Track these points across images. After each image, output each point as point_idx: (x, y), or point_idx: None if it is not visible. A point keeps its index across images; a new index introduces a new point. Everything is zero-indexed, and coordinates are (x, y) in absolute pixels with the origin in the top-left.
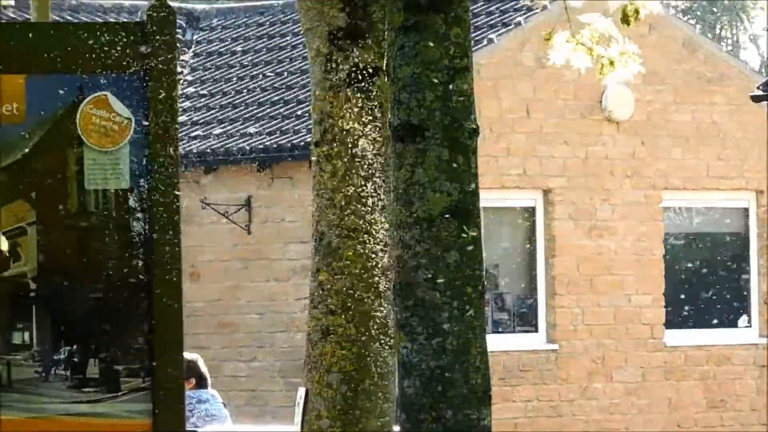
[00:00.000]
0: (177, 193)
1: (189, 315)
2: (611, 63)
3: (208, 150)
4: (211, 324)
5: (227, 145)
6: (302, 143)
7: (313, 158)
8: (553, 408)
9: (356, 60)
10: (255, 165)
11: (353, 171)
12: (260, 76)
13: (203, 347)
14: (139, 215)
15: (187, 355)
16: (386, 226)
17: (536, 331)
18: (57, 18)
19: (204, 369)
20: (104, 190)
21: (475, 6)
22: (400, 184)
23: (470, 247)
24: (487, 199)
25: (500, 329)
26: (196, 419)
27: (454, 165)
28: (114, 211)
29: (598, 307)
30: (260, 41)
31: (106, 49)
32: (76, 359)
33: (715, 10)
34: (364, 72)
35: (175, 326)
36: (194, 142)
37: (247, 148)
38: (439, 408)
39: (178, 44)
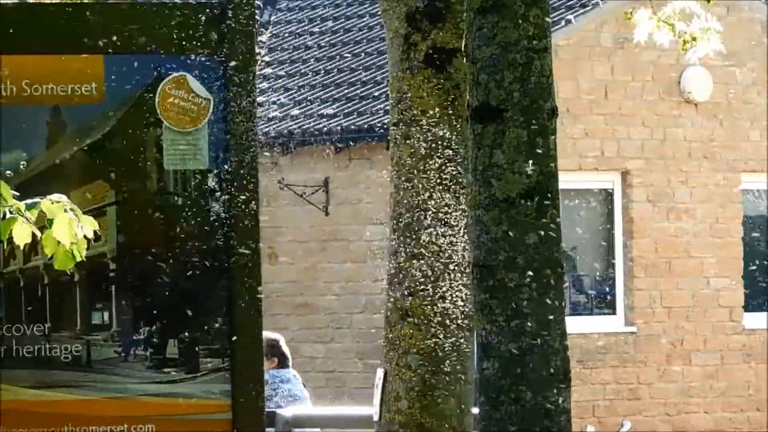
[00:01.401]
0: (255, 174)
1: (267, 296)
2: (693, 39)
3: (286, 131)
4: (288, 305)
5: (304, 126)
6: (380, 124)
7: (391, 139)
8: (631, 391)
9: (434, 41)
10: (332, 146)
11: (432, 152)
12: (337, 56)
13: (281, 328)
14: (218, 196)
15: (270, 334)
16: (465, 207)
17: (614, 313)
18: None
19: (285, 349)
20: (183, 171)
21: None
22: (478, 165)
23: (549, 229)
24: (565, 181)
25: (579, 311)
26: (279, 399)
27: (533, 146)
28: (193, 191)
29: (676, 290)
30: (338, 22)
31: (185, 29)
32: (155, 339)
33: None
34: (443, 53)
35: (254, 307)
36: (272, 123)
37: (325, 129)
38: (518, 390)
39: (256, 25)
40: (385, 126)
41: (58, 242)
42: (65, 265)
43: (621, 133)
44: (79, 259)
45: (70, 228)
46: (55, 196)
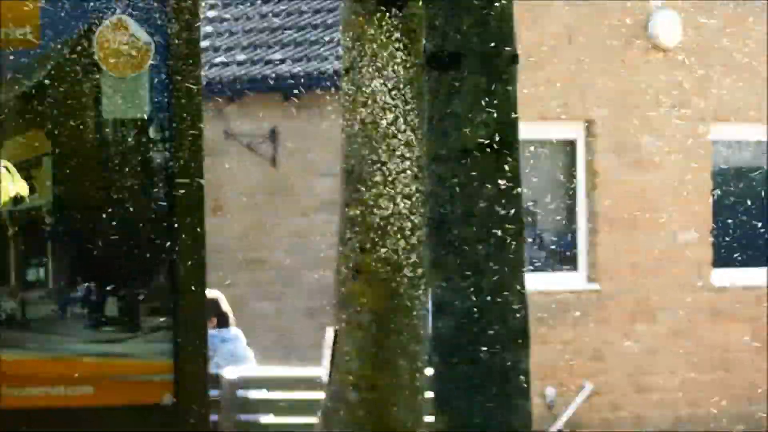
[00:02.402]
0: (200, 123)
1: (212, 251)
2: None
3: (231, 77)
4: (235, 261)
5: (251, 73)
6: (331, 70)
7: (343, 86)
8: (593, 351)
9: None
10: (281, 94)
11: (385, 101)
12: None
13: (227, 285)
14: (160, 146)
15: (209, 292)
16: (420, 158)
17: (576, 269)
18: None
19: (226, 307)
20: (123, 120)
21: None
22: (434, 114)
23: (509, 182)
24: (526, 131)
25: (539, 268)
26: (219, 359)
27: (492, 95)
28: (133, 141)
29: (641, 245)
30: None
31: None
32: (93, 297)
33: None
34: None
35: (198, 263)
36: (216, 69)
37: (272, 75)
38: (474, 349)
39: None
40: (337, 72)
41: None
42: None
43: (585, 80)
44: None
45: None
46: None
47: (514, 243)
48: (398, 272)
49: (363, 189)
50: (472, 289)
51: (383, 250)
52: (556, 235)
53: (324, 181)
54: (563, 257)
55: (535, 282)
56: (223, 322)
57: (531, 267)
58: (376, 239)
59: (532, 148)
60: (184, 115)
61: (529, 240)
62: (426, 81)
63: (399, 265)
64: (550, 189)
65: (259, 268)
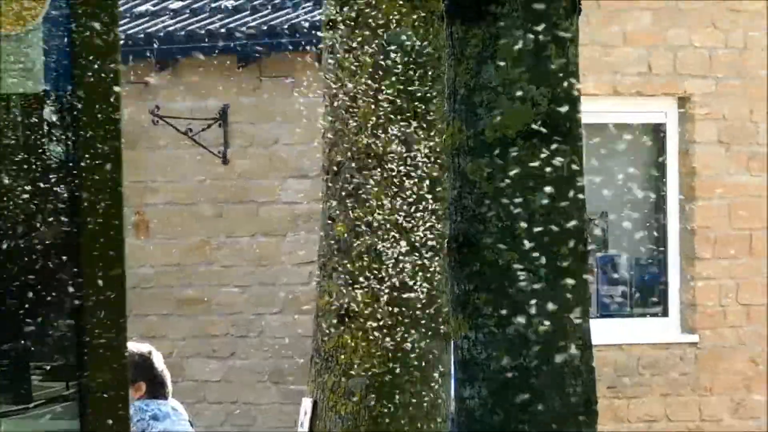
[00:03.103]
0: (116, 100)
1: (134, 286)
2: None
3: (162, 34)
4: (168, 301)
5: (190, 27)
6: (306, 25)
7: (324, 48)
8: (691, 430)
9: None
10: (234, 57)
11: (386, 68)
12: None
13: (156, 336)
14: (58, 133)
15: (135, 346)
16: (436, 152)
17: (666, 314)
18: None
19: (161, 368)
20: (8, 95)
21: None
22: (458, 88)
23: (565, 185)
24: (591, 111)
25: (611, 312)
26: None
27: (543, 58)
28: (21, 125)
29: (759, 278)
30: None
31: None
32: None
33: None
34: None
35: (115, 304)
36: (140, 22)
37: (221, 31)
38: (517, 429)
39: None
40: (316, 27)
41: None
42: None
43: (677, 38)
44: None
45: None
46: None
47: (574, 273)
48: (405, 316)
49: (353, 196)
50: (512, 341)
51: (382, 285)
52: (636, 264)
53: (297, 185)
54: (647, 295)
55: (606, 331)
56: (155, 389)
57: (601, 311)
58: (373, 269)
59: (599, 137)
60: (94, 87)
61: (598, 270)
62: (447, 39)
63: (406, 306)
64: (626, 196)
65: (202, 310)
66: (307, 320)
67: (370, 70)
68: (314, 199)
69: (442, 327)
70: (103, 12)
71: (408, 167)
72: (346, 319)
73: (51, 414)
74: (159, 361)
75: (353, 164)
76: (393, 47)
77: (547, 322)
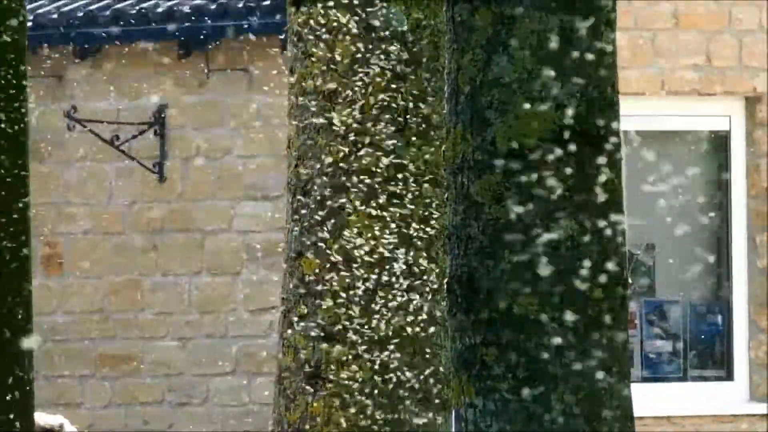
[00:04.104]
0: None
1: (45, 339)
2: None
3: (81, 14)
4: (86, 358)
5: (117, 6)
6: (268, 2)
7: (291, 29)
8: None
9: None
10: (174, 43)
11: (368, 59)
12: None
13: (71, 404)
14: None
15: (42, 418)
16: (434, 164)
17: (730, 377)
18: None
19: None
20: None
21: None
22: (462, 85)
23: (600, 210)
24: (634, 115)
25: (660, 374)
26: None
27: (571, 46)
28: None
29: None
30: None
31: None
32: None
33: None
34: None
35: (18, 364)
36: (56, 0)
37: (158, 10)
38: None
39: None
40: (279, 6)
41: None
42: None
43: (745, 21)
44: None
45: None
46: None
47: (610, 325)
48: (393, 379)
49: (326, 223)
50: (530, 411)
51: (364, 337)
52: (691, 311)
53: (253, 208)
54: (705, 353)
55: (652, 399)
56: None
57: (646, 373)
58: (351, 316)
59: (644, 148)
60: None
61: (642, 319)
62: (447, 23)
63: (395, 366)
64: (678, 224)
65: (130, 370)
66: (267, 383)
67: (348, 60)
68: (276, 227)
69: (441, 392)
70: None
71: (397, 186)
72: (318, 382)
73: None
74: None
75: (326, 181)
76: (378, 31)
77: (574, 387)
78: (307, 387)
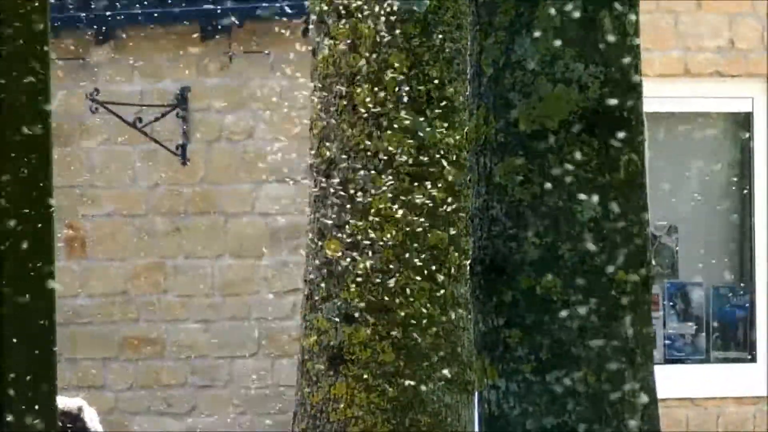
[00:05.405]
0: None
1: (67, 322)
2: None
3: None
4: (108, 341)
5: None
6: None
7: (313, 11)
8: None
9: None
10: (196, 26)
11: (391, 40)
12: None
13: (93, 386)
14: None
15: (62, 401)
16: (458, 146)
17: (752, 359)
18: None
19: (96, 428)
20: None
21: None
22: (485, 67)
23: (623, 192)
24: (656, 97)
25: (682, 356)
26: None
27: (593, 28)
28: None
29: None
30: None
31: None
32: None
33: None
34: None
35: (41, 347)
36: None
37: None
38: None
39: None
40: None
41: None
42: None
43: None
44: None
45: None
46: None
47: (633, 307)
48: (416, 360)
49: (349, 204)
50: (554, 392)
51: (387, 319)
52: (714, 294)
53: (276, 190)
54: (728, 335)
55: (675, 381)
56: None
57: (668, 354)
58: (374, 298)
59: (667, 130)
60: (17, 64)
61: (665, 301)
62: (470, 4)
63: (417, 347)
64: (701, 206)
65: (153, 353)
66: (290, 365)
67: (371, 42)
68: (299, 209)
69: (464, 374)
70: None
71: (419, 168)
72: (340, 364)
73: None
74: (93, 421)
75: (349, 163)
76: (400, 13)
77: (597, 369)
78: (330, 369)
